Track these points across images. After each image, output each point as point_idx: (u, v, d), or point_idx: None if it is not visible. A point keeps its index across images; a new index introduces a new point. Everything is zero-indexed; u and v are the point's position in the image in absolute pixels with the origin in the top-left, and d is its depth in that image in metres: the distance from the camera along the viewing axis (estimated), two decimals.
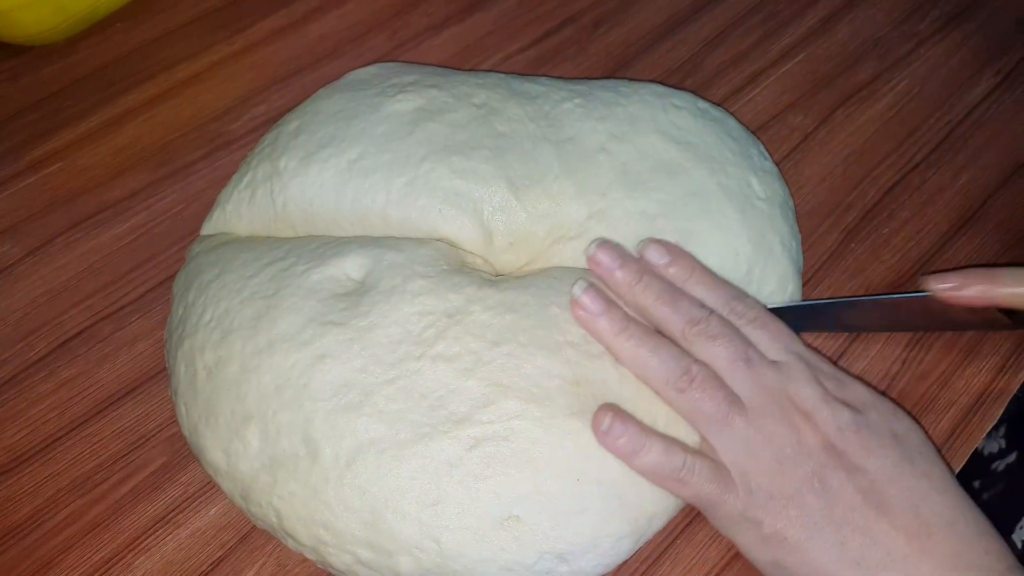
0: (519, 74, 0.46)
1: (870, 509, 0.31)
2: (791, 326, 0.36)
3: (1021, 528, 0.45)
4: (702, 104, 0.44)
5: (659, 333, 0.35)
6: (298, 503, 0.33)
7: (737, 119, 0.46)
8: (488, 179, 0.39)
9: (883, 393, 0.36)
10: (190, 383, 0.36)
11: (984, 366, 0.41)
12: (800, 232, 0.43)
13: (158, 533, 0.37)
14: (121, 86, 0.54)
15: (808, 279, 0.44)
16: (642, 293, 0.35)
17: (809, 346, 0.36)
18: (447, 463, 0.32)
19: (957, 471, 0.38)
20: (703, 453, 0.33)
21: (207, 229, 0.44)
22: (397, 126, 0.40)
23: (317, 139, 0.41)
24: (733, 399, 0.33)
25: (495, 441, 0.32)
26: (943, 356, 0.41)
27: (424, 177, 0.39)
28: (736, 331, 0.34)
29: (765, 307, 0.36)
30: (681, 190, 0.39)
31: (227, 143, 0.51)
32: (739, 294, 0.36)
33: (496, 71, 0.52)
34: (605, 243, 0.37)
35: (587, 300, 0.35)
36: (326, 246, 0.38)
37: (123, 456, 0.39)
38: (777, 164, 0.45)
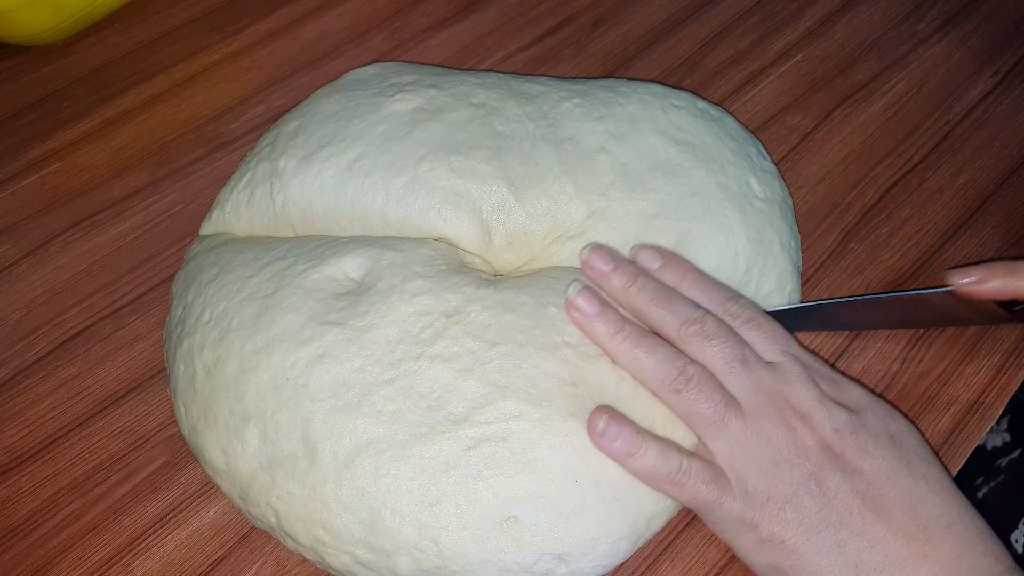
0: (518, 74, 0.46)
1: (868, 511, 0.31)
2: (790, 326, 0.36)
3: (1020, 529, 0.45)
4: (701, 104, 0.44)
5: (655, 334, 0.35)
6: (297, 503, 0.33)
7: (736, 119, 0.46)
8: (487, 179, 0.39)
9: (880, 395, 0.36)
10: (189, 383, 0.36)
11: (984, 364, 0.41)
12: (799, 232, 0.43)
13: (157, 533, 0.37)
14: (120, 86, 0.54)
15: (807, 279, 0.44)
16: (637, 295, 0.35)
17: (805, 347, 0.36)
18: (446, 464, 0.32)
19: (958, 469, 0.38)
20: (700, 456, 0.33)
21: (206, 229, 0.43)
22: (396, 126, 0.40)
23: (316, 139, 0.41)
24: (729, 400, 0.33)
25: (493, 442, 0.32)
26: (943, 354, 0.41)
27: (423, 177, 0.39)
28: (732, 331, 0.34)
29: (760, 308, 0.36)
30: (680, 190, 0.39)
31: (226, 143, 0.51)
32: (734, 295, 0.36)
33: (495, 71, 0.52)
34: (598, 247, 0.37)
35: (582, 302, 0.35)
36: (325, 246, 0.38)
37: (122, 456, 0.39)
38: (776, 164, 0.45)
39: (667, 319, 0.34)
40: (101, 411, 0.41)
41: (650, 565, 0.36)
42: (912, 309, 0.40)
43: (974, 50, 0.54)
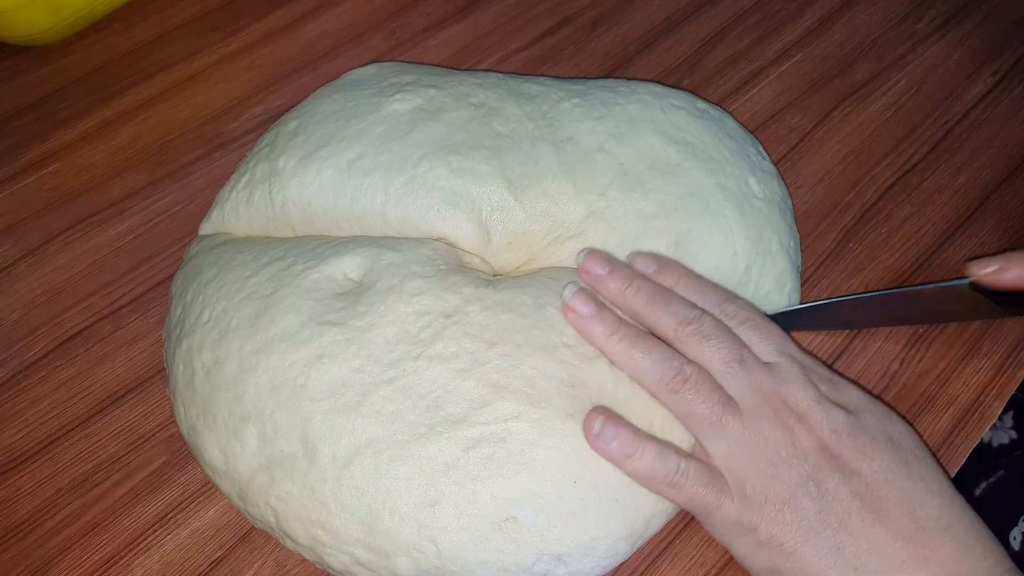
0: (517, 74, 0.46)
1: (867, 513, 0.31)
2: (788, 326, 0.36)
3: (1019, 526, 0.45)
4: (700, 104, 0.44)
5: (652, 335, 0.35)
6: (296, 503, 0.33)
7: (735, 119, 0.46)
8: (486, 179, 0.39)
9: (877, 397, 0.36)
10: (188, 383, 0.36)
11: (984, 364, 0.41)
12: (798, 231, 0.43)
13: (157, 533, 0.37)
14: (119, 86, 0.54)
15: (806, 279, 0.44)
16: (633, 297, 0.35)
17: (803, 348, 0.36)
18: (444, 464, 0.32)
19: (958, 469, 0.38)
20: (697, 457, 0.33)
21: (205, 229, 0.43)
22: (395, 126, 0.40)
23: (315, 139, 0.41)
24: (727, 401, 0.33)
25: (492, 442, 0.32)
26: (943, 354, 0.41)
27: (422, 177, 0.39)
28: (730, 331, 0.34)
29: (757, 309, 0.36)
30: (679, 190, 0.39)
31: (225, 143, 0.51)
32: (730, 296, 0.36)
33: (494, 71, 0.52)
34: (593, 252, 0.37)
35: (578, 303, 0.35)
36: (324, 246, 0.38)
37: (122, 456, 0.39)
38: (775, 164, 0.45)
39: (664, 320, 0.34)
40: (100, 411, 0.41)
41: (649, 566, 0.36)
42: (913, 305, 0.40)
43: (973, 50, 0.54)
